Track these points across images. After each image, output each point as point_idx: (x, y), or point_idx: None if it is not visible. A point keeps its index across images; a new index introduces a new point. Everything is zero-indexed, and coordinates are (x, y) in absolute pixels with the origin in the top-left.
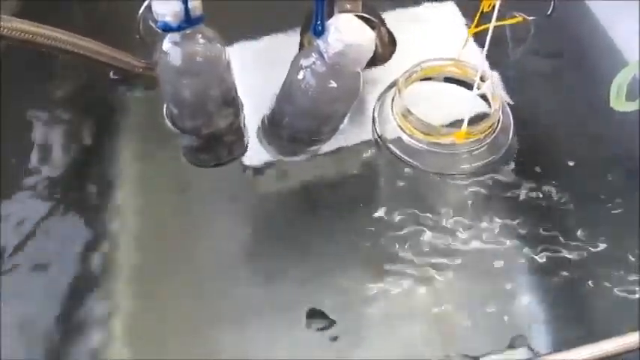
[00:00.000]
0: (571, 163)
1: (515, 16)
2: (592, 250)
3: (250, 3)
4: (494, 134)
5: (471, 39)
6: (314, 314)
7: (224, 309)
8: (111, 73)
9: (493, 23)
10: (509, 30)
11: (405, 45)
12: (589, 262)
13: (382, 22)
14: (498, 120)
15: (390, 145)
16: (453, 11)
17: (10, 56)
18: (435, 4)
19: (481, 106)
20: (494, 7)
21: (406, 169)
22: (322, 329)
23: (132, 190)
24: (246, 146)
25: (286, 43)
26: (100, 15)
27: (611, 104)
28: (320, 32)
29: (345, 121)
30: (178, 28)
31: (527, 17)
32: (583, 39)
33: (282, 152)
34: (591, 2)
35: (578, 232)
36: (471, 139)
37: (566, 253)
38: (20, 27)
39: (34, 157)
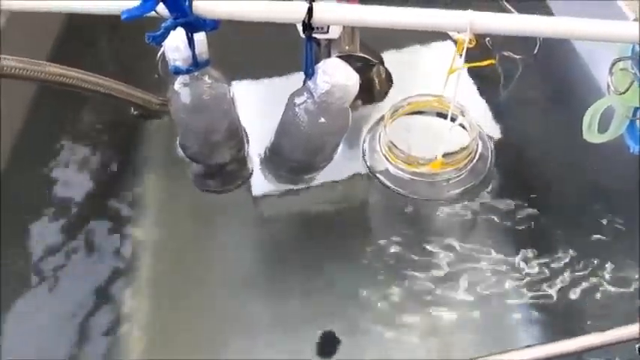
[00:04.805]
0: (551, 191)
1: (495, 58)
2: (567, 267)
3: (262, 46)
4: (472, 163)
5: (468, 77)
6: (320, 333)
7: (233, 326)
8: (132, 109)
9: (461, 65)
10: (500, 67)
11: (402, 83)
12: (567, 279)
13: (381, 61)
14: (476, 150)
15: (379, 175)
16: (450, 51)
17: (45, 95)
18: (433, 44)
19: (465, 139)
20: (478, 46)
21: (393, 197)
22: (327, 348)
23: (148, 213)
24: (250, 174)
25: (291, 82)
26: (124, 57)
27: (584, 136)
28: (310, 74)
29: (339, 151)
30: (187, 71)
31: (515, 56)
32: (566, 75)
33: (283, 180)
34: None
35: (551, 253)
36: (450, 168)
37: (541, 271)
38: (54, 71)
39: (62, 183)
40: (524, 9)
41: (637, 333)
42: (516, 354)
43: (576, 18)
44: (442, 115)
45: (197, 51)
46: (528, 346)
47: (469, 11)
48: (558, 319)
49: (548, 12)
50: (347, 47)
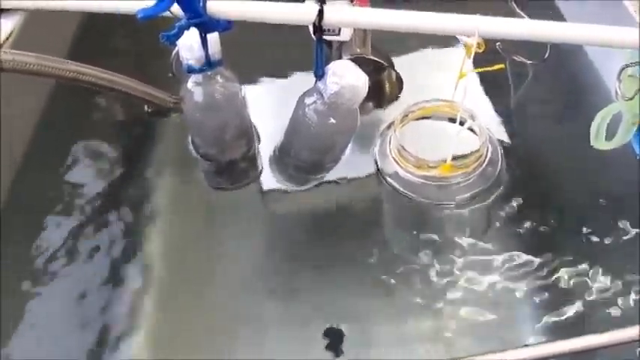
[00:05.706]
0: (560, 196)
1: (505, 63)
2: (574, 271)
3: (275, 46)
4: (482, 168)
5: (478, 81)
6: (327, 331)
7: (241, 323)
8: (146, 107)
9: (470, 70)
10: (510, 73)
11: (413, 86)
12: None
13: (391, 64)
14: (486, 155)
15: (388, 178)
16: (461, 55)
17: (61, 91)
18: (444, 48)
19: (475, 144)
20: (488, 50)
21: (403, 200)
22: (334, 346)
23: (159, 209)
24: (260, 172)
25: (301, 83)
26: (139, 56)
27: (592, 143)
28: (320, 75)
29: (347, 152)
30: (200, 70)
31: (526, 60)
32: (577, 81)
33: (291, 179)
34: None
35: (558, 255)
36: (460, 172)
37: (548, 274)
38: (71, 68)
39: (75, 180)
40: (533, 9)
41: (637, 335)
42: (516, 353)
43: (582, 24)
44: (453, 120)
45: (210, 51)
46: (526, 346)
47: (477, 16)
48: (561, 320)
49: (557, 13)
50: (358, 50)
